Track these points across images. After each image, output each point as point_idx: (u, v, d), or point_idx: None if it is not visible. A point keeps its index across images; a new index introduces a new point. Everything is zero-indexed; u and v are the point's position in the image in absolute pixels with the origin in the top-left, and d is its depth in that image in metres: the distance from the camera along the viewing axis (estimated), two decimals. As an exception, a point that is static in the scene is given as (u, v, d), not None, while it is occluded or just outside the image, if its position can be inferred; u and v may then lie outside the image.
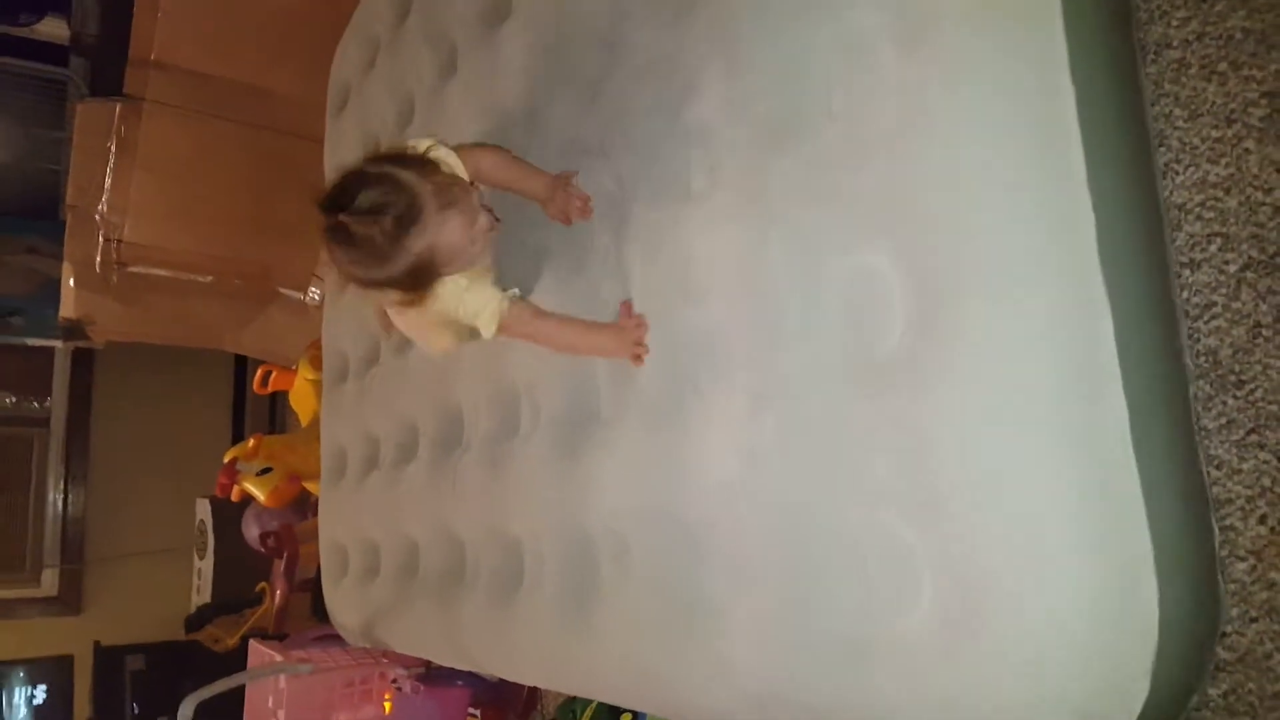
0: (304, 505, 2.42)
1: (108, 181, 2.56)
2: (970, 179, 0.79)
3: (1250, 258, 0.79)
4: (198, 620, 2.60)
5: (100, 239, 2.61)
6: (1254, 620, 0.78)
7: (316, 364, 2.28)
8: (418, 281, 1.07)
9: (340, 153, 2.07)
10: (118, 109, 2.49)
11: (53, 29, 3.33)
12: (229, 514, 2.68)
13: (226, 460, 2.35)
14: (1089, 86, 0.78)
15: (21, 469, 3.37)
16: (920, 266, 0.82)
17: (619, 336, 1.13)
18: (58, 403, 3.38)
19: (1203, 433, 0.82)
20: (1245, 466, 0.80)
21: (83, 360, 3.38)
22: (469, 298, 1.15)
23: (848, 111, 0.89)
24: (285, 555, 2.31)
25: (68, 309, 2.68)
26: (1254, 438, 0.80)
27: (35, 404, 3.42)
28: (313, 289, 2.77)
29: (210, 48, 2.45)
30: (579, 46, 1.32)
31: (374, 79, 1.95)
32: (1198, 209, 0.83)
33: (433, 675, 1.82)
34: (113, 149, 2.53)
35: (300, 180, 2.35)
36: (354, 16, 2.07)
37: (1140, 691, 0.71)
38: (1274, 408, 0.79)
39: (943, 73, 0.81)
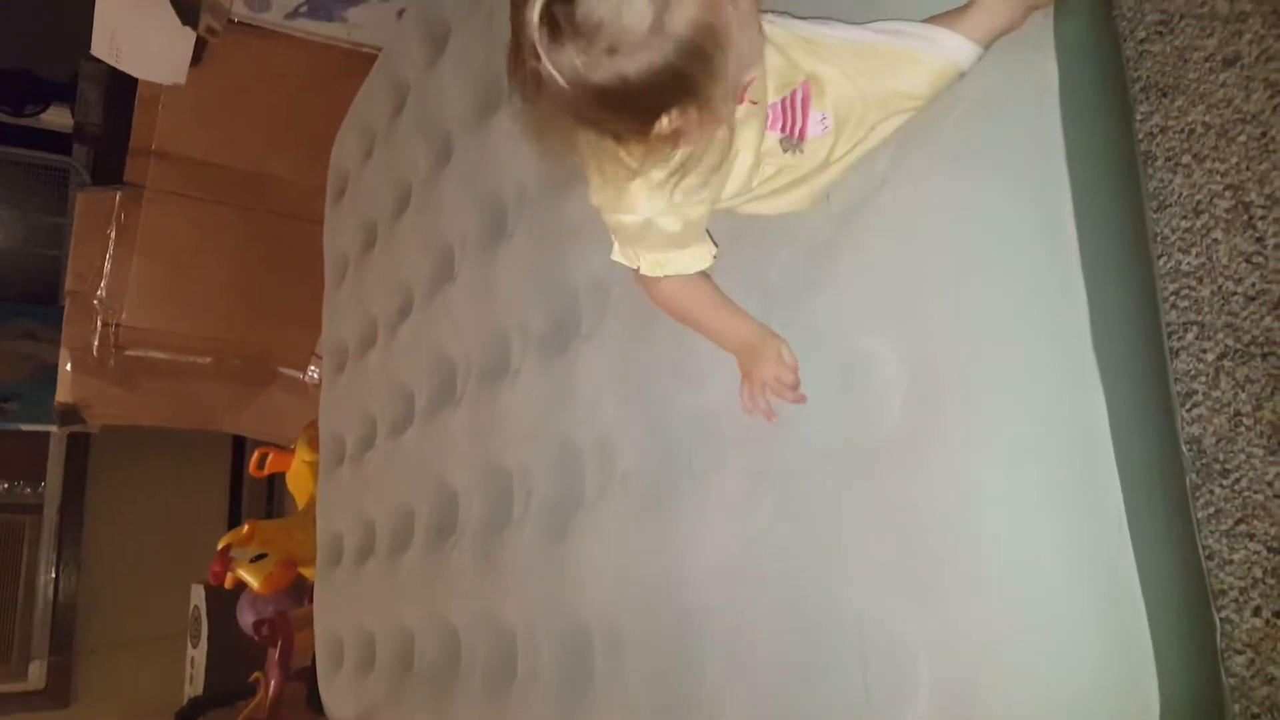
0: (300, 591, 2.40)
1: (107, 267, 2.60)
2: (966, 265, 0.81)
3: (1227, 346, 0.80)
4: (189, 713, 2.54)
5: (99, 323, 2.63)
6: (1255, 717, 0.77)
7: (314, 445, 2.28)
8: (678, 87, 0.69)
9: (340, 237, 2.11)
10: (118, 197, 2.54)
11: (56, 118, 3.41)
12: (224, 600, 2.64)
13: (220, 547, 2.33)
14: (1085, 174, 0.79)
15: (12, 557, 3.33)
16: (917, 350, 0.83)
17: (763, 352, 0.90)
18: (51, 488, 3.36)
19: (1194, 522, 0.82)
20: (1236, 557, 0.80)
21: (78, 445, 3.37)
22: (668, 215, 0.82)
23: (845, 202, 0.91)
24: (280, 644, 2.27)
25: (64, 393, 2.69)
26: (1243, 528, 0.80)
27: (28, 490, 3.40)
28: (312, 368, 2.79)
29: (211, 137, 2.51)
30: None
31: (372, 167, 2.00)
32: (1173, 298, 0.84)
33: (428, 769, 1.77)
34: (112, 235, 2.58)
35: (299, 262, 2.39)
36: (352, 107, 2.13)
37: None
38: (1259, 497, 0.79)
39: (938, 164, 0.84)
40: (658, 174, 0.79)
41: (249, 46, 2.25)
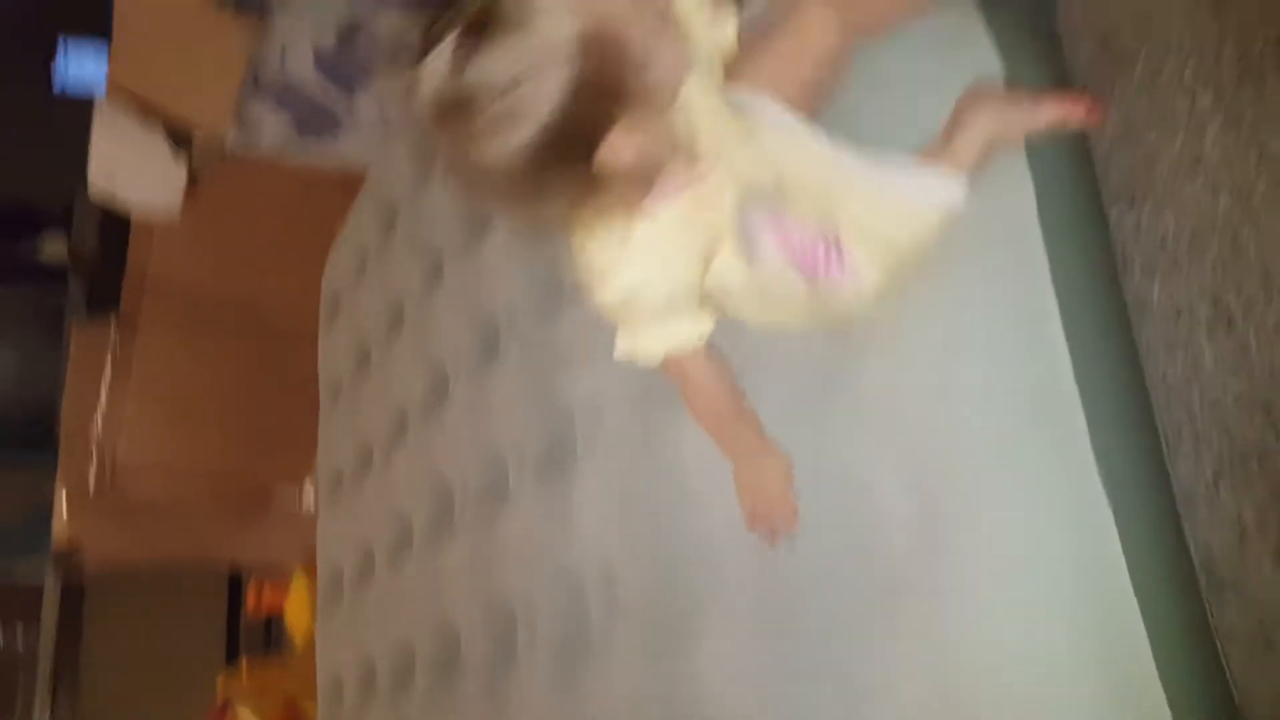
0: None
1: (102, 401, 2.60)
2: (962, 388, 0.82)
3: (1223, 452, 0.80)
4: None
5: (94, 459, 2.61)
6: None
7: (312, 575, 2.24)
8: (599, 94, 0.65)
9: (334, 357, 2.12)
10: (113, 329, 2.56)
11: (51, 248, 3.45)
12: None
13: (219, 699, 2.26)
14: (1069, 289, 0.81)
15: (5, 707, 3.21)
16: (921, 478, 0.82)
17: (771, 467, 0.90)
18: (46, 633, 3.26)
19: (1217, 633, 0.80)
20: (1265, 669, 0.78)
21: (73, 591, 3.27)
22: (656, 280, 0.76)
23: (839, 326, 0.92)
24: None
25: (61, 534, 2.65)
26: (1262, 638, 0.78)
27: (22, 638, 3.31)
28: (308, 489, 2.76)
29: (205, 264, 2.55)
30: (559, 256, 1.37)
31: (364, 287, 2.02)
32: (1165, 404, 0.84)
33: None
34: (108, 369, 2.58)
35: (295, 382, 2.39)
36: (343, 227, 2.16)
37: None
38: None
39: (926, 289, 0.85)
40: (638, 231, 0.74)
41: (241, 175, 2.31)
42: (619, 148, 0.67)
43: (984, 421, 0.79)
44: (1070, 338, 0.78)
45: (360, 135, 2.23)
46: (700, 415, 0.94)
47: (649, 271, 0.77)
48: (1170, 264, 0.86)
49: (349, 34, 1.92)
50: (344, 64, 2.00)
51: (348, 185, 2.20)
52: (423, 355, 1.69)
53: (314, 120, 2.17)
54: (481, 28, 0.62)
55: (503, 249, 1.48)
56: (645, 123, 0.68)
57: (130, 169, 2.23)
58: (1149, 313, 0.87)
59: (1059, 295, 0.79)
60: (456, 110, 0.64)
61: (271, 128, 2.17)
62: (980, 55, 0.88)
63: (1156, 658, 0.72)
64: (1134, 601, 0.73)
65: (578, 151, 0.67)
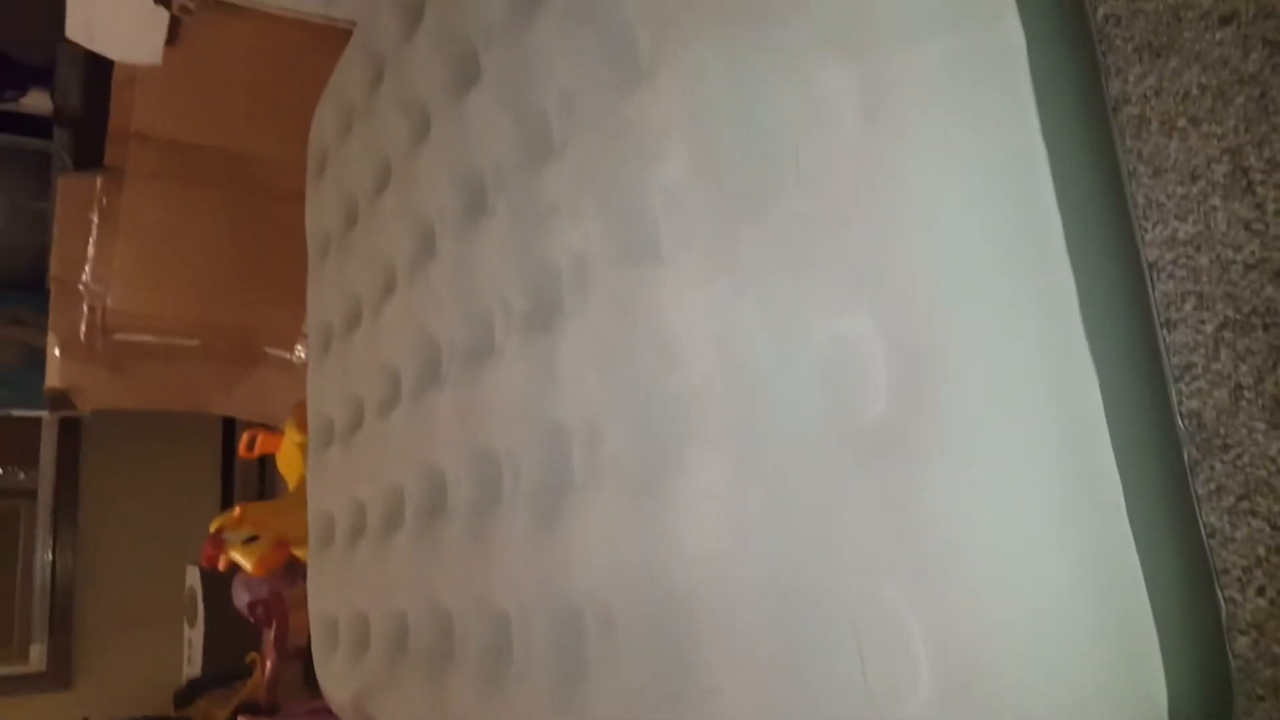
0: (295, 572, 2.39)
1: (91, 251, 2.57)
2: (945, 241, 0.78)
3: (1226, 317, 0.77)
4: (188, 694, 2.54)
5: (85, 308, 2.61)
6: (1261, 699, 0.75)
7: (303, 426, 2.26)
8: None
9: (321, 215, 2.08)
10: (99, 181, 2.50)
11: (36, 102, 3.36)
12: (219, 581, 2.64)
13: (212, 530, 2.32)
14: (1060, 144, 0.76)
15: (8, 542, 3.33)
16: (902, 332, 0.80)
17: None
18: (45, 473, 3.35)
19: (1195, 499, 0.79)
20: (1239, 535, 0.78)
21: (70, 430, 3.35)
22: None
23: (815, 177, 0.88)
24: (275, 624, 2.27)
25: (53, 378, 2.68)
26: (1245, 504, 0.77)
27: (22, 475, 3.39)
28: (299, 347, 2.77)
29: (188, 117, 2.47)
30: (544, 109, 1.32)
31: (350, 143, 1.95)
32: (1170, 267, 0.81)
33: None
34: (95, 220, 2.54)
35: (283, 240, 2.35)
36: (329, 82, 2.08)
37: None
38: (1262, 473, 0.77)
39: (907, 138, 0.80)
40: None
41: (223, 24, 2.20)
42: None
43: (967, 280, 0.75)
44: (1061, 201, 0.74)
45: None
46: None
47: None
48: (1190, 121, 0.81)
49: None
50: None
51: (333, 39, 2.12)
52: (410, 211, 1.66)
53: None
54: None
55: (488, 103, 1.43)
56: None
57: (108, 20, 2.12)
58: (1163, 171, 0.83)
59: (1050, 154, 0.74)
60: None
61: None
62: None
63: (1133, 520, 0.71)
64: (1114, 468, 0.71)
65: None
